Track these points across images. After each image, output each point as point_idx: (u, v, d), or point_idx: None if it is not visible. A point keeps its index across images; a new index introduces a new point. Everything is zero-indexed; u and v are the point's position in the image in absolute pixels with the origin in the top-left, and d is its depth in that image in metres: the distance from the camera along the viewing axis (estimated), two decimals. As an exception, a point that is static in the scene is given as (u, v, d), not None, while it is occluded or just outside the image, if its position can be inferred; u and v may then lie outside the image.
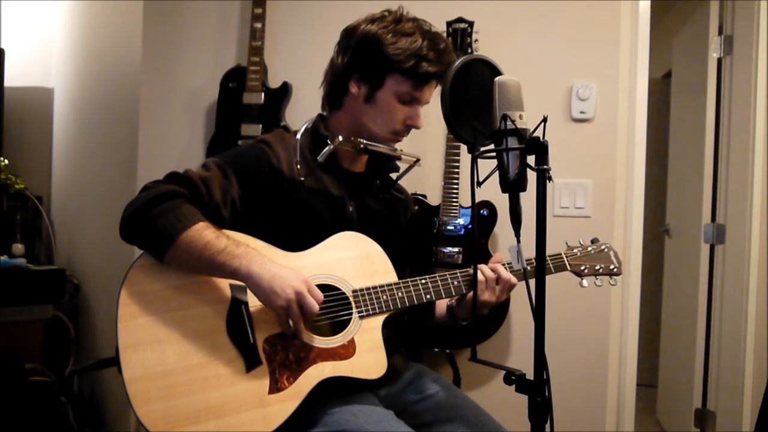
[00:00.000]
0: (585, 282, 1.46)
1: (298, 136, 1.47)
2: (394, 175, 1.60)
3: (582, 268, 1.47)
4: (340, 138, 1.42)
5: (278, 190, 1.39)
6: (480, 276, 1.38)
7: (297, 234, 1.38)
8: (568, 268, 1.47)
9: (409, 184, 1.66)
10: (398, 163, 1.55)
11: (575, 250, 1.49)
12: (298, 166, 1.42)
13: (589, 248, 1.50)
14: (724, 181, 2.72)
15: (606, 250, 1.51)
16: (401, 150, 1.48)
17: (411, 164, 1.50)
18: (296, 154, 1.44)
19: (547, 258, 1.44)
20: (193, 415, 1.20)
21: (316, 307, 1.24)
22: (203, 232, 1.25)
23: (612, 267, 1.49)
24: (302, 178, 1.42)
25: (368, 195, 1.53)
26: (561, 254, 1.47)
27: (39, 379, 2.37)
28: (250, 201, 1.37)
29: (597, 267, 1.48)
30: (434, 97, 1.39)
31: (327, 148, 1.42)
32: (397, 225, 1.59)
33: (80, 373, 2.67)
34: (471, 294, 1.39)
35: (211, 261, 1.24)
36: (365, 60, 1.41)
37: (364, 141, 1.43)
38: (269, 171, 1.39)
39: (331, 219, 1.43)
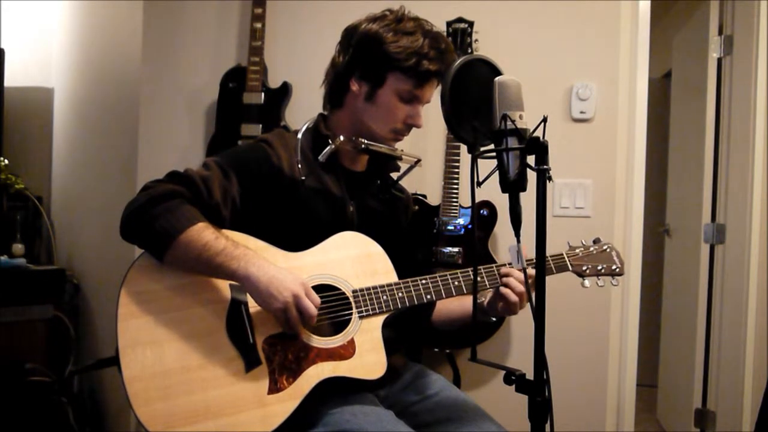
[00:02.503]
0: (587, 282, 1.45)
1: (299, 135, 1.47)
2: (394, 175, 1.60)
3: (584, 268, 1.46)
4: (341, 138, 1.42)
5: (278, 189, 1.39)
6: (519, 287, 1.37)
7: (297, 233, 1.38)
8: (570, 268, 1.46)
9: (409, 184, 1.66)
10: (399, 163, 1.55)
11: (577, 250, 1.48)
12: (299, 166, 1.42)
13: (591, 248, 1.49)
14: (724, 181, 2.72)
15: (608, 250, 1.50)
16: (402, 150, 1.48)
17: (412, 164, 1.50)
18: (297, 154, 1.44)
19: (549, 258, 1.43)
20: (192, 415, 1.20)
21: (313, 310, 1.24)
22: (202, 233, 1.25)
23: (614, 267, 1.48)
24: (303, 178, 1.42)
25: (368, 195, 1.53)
26: (563, 254, 1.46)
27: (39, 379, 2.37)
28: (251, 200, 1.37)
29: (599, 267, 1.47)
30: (434, 96, 1.39)
31: (328, 147, 1.42)
32: (398, 224, 1.59)
33: (80, 373, 2.66)
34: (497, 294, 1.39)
35: (209, 262, 1.24)
36: (366, 58, 1.41)
37: (366, 141, 1.43)
38: (270, 170, 1.39)
39: (332, 218, 1.43)
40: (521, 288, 1.36)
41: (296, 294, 1.23)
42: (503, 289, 1.37)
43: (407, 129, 1.46)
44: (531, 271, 1.37)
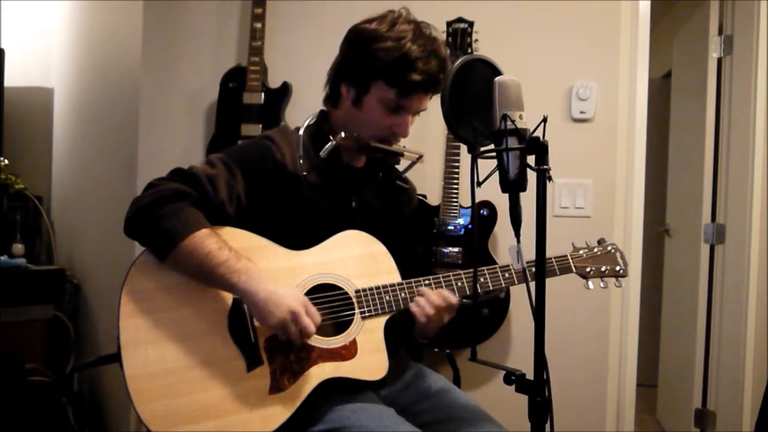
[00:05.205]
0: (590, 284, 1.44)
1: (301, 131, 1.47)
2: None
3: (587, 269, 1.44)
4: (343, 134, 1.42)
5: (282, 185, 1.39)
6: (428, 310, 1.35)
7: (300, 229, 1.38)
8: (574, 270, 1.44)
9: (410, 183, 1.67)
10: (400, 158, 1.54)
11: (581, 252, 1.46)
12: (301, 161, 1.42)
13: (595, 249, 1.47)
14: (724, 181, 2.72)
15: (612, 251, 1.48)
16: (404, 146, 1.47)
17: (414, 160, 1.48)
18: (299, 150, 1.43)
19: (553, 259, 1.43)
20: (193, 414, 1.20)
21: (312, 328, 1.23)
22: (206, 241, 1.25)
23: (618, 268, 1.46)
24: (305, 173, 1.41)
25: (370, 190, 1.53)
26: (566, 256, 1.45)
27: (39, 379, 2.37)
28: (255, 197, 1.37)
29: (603, 269, 1.45)
30: (434, 96, 1.39)
31: (329, 143, 1.41)
32: (400, 219, 1.58)
33: (81, 370, 2.66)
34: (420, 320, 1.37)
35: (210, 272, 1.24)
36: (354, 63, 1.40)
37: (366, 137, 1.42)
38: (274, 166, 1.39)
39: (333, 214, 1.43)
40: (430, 311, 1.34)
41: (294, 311, 1.22)
42: (412, 307, 1.35)
43: (394, 137, 1.43)
44: (453, 299, 1.36)
